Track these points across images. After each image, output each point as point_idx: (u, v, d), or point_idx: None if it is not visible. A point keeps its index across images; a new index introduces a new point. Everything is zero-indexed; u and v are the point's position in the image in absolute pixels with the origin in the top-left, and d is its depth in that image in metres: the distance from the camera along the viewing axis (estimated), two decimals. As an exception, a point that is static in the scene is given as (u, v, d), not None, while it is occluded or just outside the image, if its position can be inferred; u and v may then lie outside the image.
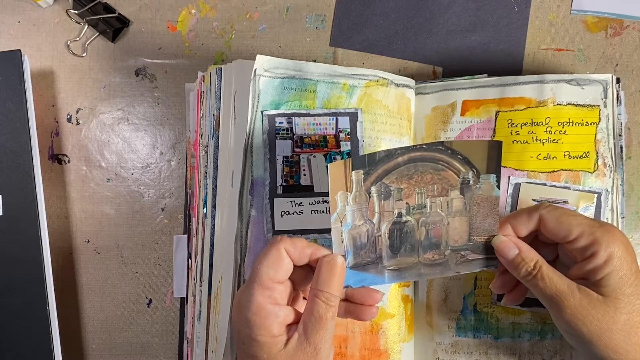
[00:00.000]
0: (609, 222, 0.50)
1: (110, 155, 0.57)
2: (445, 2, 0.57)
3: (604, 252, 0.40)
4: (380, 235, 0.42)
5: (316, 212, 0.49)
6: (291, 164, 0.50)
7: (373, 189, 0.41)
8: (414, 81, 0.53)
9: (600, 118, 0.50)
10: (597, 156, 0.50)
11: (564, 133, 0.50)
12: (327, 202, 0.49)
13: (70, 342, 0.55)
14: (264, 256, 0.39)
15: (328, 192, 0.40)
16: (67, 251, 0.56)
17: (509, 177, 0.51)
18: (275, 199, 0.49)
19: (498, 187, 0.43)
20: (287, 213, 0.49)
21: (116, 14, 0.56)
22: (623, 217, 0.51)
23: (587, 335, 0.40)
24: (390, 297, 0.50)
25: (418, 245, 0.43)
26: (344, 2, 0.57)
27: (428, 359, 0.52)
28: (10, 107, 0.52)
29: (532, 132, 0.51)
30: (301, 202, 0.49)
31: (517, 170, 0.51)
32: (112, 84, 0.57)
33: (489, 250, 0.44)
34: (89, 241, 0.56)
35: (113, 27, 0.56)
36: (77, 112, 0.57)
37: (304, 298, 0.44)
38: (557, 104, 0.51)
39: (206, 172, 0.51)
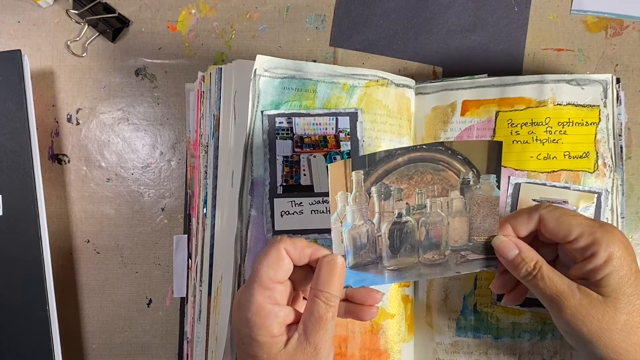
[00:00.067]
0: (609, 222, 0.50)
1: (110, 155, 0.57)
2: (445, 2, 0.57)
3: (604, 252, 0.40)
4: (380, 236, 0.42)
5: (316, 212, 0.49)
6: (291, 164, 0.50)
7: (373, 189, 0.41)
8: (414, 81, 0.53)
9: (600, 118, 0.50)
10: (597, 156, 0.50)
11: (564, 133, 0.50)
12: (327, 202, 0.49)
13: (70, 342, 0.55)
14: (264, 256, 0.39)
15: (328, 192, 0.40)
16: (67, 251, 0.56)
17: (509, 177, 0.51)
18: (275, 199, 0.49)
19: (498, 187, 0.43)
20: (287, 213, 0.49)
21: (116, 14, 0.56)
22: (623, 217, 0.51)
23: (587, 335, 0.40)
24: (390, 297, 0.50)
25: (418, 245, 0.43)
26: (344, 2, 0.57)
27: (428, 359, 0.52)
28: (10, 107, 0.52)
29: (532, 132, 0.51)
30: (301, 202, 0.49)
31: (517, 170, 0.51)
32: (112, 84, 0.57)
33: (489, 251, 0.44)
34: (89, 241, 0.56)
35: (113, 27, 0.56)
36: (77, 112, 0.57)
37: (304, 298, 0.44)
38: (557, 104, 0.51)
39: (206, 172, 0.51)
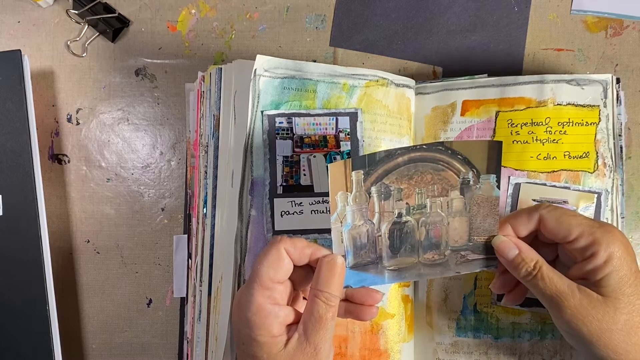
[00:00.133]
0: (609, 222, 0.50)
1: (110, 155, 0.57)
2: (445, 2, 0.57)
3: (604, 252, 0.40)
4: (380, 236, 0.42)
5: (316, 212, 0.49)
6: (291, 164, 0.50)
7: (373, 189, 0.41)
8: (414, 81, 0.53)
9: (600, 118, 0.50)
10: (597, 156, 0.50)
11: (564, 133, 0.50)
12: (327, 202, 0.49)
13: (70, 342, 0.55)
14: (264, 256, 0.39)
15: (328, 192, 0.40)
16: (67, 251, 0.56)
17: (509, 177, 0.51)
18: (275, 199, 0.49)
19: (498, 187, 0.43)
20: (287, 213, 0.49)
21: (116, 14, 0.56)
22: (623, 217, 0.51)
23: (587, 335, 0.40)
24: (390, 297, 0.50)
25: (418, 245, 0.43)
26: (344, 2, 0.57)
27: (428, 359, 0.52)
28: (10, 107, 0.52)
29: (532, 132, 0.51)
30: (301, 202, 0.49)
31: (517, 170, 0.51)
32: (112, 84, 0.57)
33: (489, 251, 0.44)
34: (89, 241, 0.56)
35: (113, 27, 0.56)
36: (77, 112, 0.57)
37: (304, 298, 0.44)
38: (557, 104, 0.51)
39: (206, 172, 0.51)
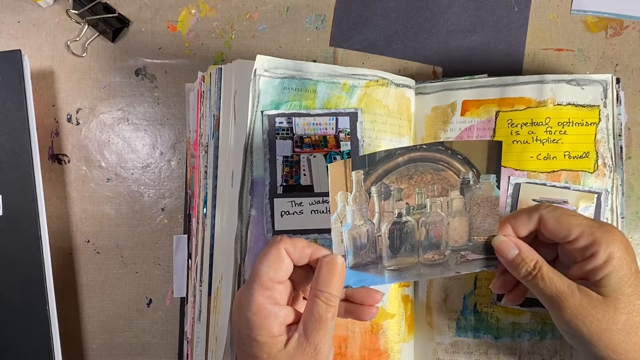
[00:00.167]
0: (609, 222, 0.50)
1: (110, 155, 0.57)
2: (445, 2, 0.57)
3: (604, 252, 0.40)
4: (380, 236, 0.42)
5: (316, 212, 0.49)
6: (291, 164, 0.50)
7: (373, 189, 0.41)
8: (414, 81, 0.53)
9: (600, 118, 0.50)
10: (597, 156, 0.50)
11: (564, 133, 0.50)
12: (327, 202, 0.49)
13: (70, 342, 0.55)
14: (264, 256, 0.39)
15: (328, 192, 0.40)
16: (67, 251, 0.56)
17: (509, 177, 0.51)
18: (275, 199, 0.49)
19: (498, 187, 0.43)
20: (287, 213, 0.49)
21: (116, 14, 0.56)
22: (623, 217, 0.51)
23: (587, 335, 0.40)
24: (390, 297, 0.50)
25: (418, 245, 0.43)
26: (344, 2, 0.57)
27: (428, 359, 0.52)
28: (10, 107, 0.52)
29: (532, 132, 0.51)
30: (301, 202, 0.49)
31: (517, 170, 0.51)
32: (112, 84, 0.57)
33: (489, 250, 0.44)
34: (89, 241, 0.56)
35: (113, 27, 0.56)
36: (77, 112, 0.57)
37: (304, 298, 0.44)
38: (557, 104, 0.51)
39: (206, 172, 0.51)
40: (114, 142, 0.57)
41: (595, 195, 0.50)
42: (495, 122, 0.52)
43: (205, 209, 0.51)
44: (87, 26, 0.57)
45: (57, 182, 0.56)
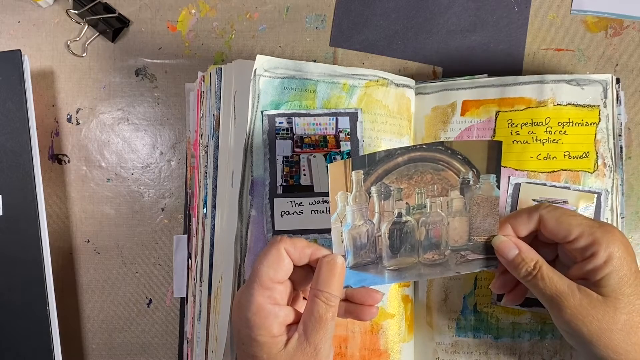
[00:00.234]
0: (609, 222, 0.50)
1: (110, 155, 0.57)
2: (445, 2, 0.57)
3: (604, 252, 0.40)
4: (380, 235, 0.42)
5: (316, 212, 0.49)
6: (291, 164, 0.50)
7: (373, 189, 0.41)
8: (414, 81, 0.53)
9: (600, 118, 0.50)
10: (597, 156, 0.50)
11: (564, 133, 0.50)
12: (327, 202, 0.49)
13: (70, 342, 0.55)
14: (264, 256, 0.39)
15: (328, 192, 0.40)
16: (67, 251, 0.56)
17: (509, 177, 0.51)
18: (275, 199, 0.49)
19: (498, 187, 0.43)
20: (287, 213, 0.49)
21: (116, 14, 0.56)
22: (623, 217, 0.51)
23: (587, 335, 0.40)
24: (390, 297, 0.50)
25: (418, 245, 0.43)
26: (344, 2, 0.57)
27: (428, 359, 0.52)
28: (10, 107, 0.52)
29: (532, 132, 0.51)
30: (301, 202, 0.49)
31: (517, 170, 0.51)
32: (112, 84, 0.57)
33: (489, 250, 0.44)
34: (89, 241, 0.56)
35: (113, 27, 0.56)
36: (77, 112, 0.57)
37: (304, 298, 0.44)
38: (557, 104, 0.51)
39: (206, 172, 0.51)
40: (114, 142, 0.57)
41: (595, 195, 0.50)
42: (495, 122, 0.52)
43: (205, 209, 0.51)
44: (87, 26, 0.57)
45: (57, 182, 0.56)
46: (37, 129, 0.53)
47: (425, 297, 0.52)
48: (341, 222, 0.41)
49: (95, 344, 0.56)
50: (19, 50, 0.52)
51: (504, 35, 0.57)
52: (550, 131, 0.50)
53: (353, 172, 0.40)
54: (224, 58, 0.57)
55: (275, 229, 0.49)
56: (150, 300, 0.56)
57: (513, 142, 0.51)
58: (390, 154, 0.40)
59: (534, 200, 0.50)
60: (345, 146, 0.51)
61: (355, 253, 0.41)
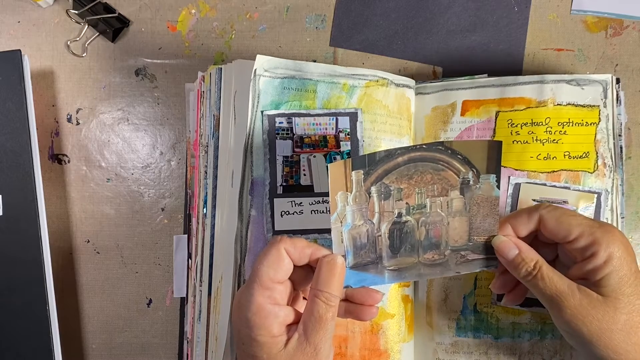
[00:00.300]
0: (609, 222, 0.50)
1: (110, 155, 0.57)
2: (445, 2, 0.57)
3: (604, 252, 0.40)
4: (380, 235, 0.42)
5: (316, 212, 0.49)
6: (291, 164, 0.50)
7: (373, 189, 0.41)
8: (414, 81, 0.53)
9: (600, 118, 0.50)
10: (597, 156, 0.50)
11: (564, 133, 0.50)
12: (327, 202, 0.49)
13: (70, 342, 0.55)
14: (264, 256, 0.39)
15: (328, 192, 0.40)
16: (67, 251, 0.56)
17: (509, 177, 0.51)
18: (275, 199, 0.49)
19: (498, 187, 0.43)
20: (287, 213, 0.49)
21: (116, 14, 0.56)
22: (623, 217, 0.51)
23: (587, 335, 0.40)
24: (390, 297, 0.50)
25: (418, 245, 0.43)
26: (344, 2, 0.57)
27: (428, 359, 0.52)
28: (10, 107, 0.52)
29: (532, 132, 0.51)
30: (301, 202, 0.49)
31: (517, 170, 0.51)
32: (112, 84, 0.57)
33: (489, 250, 0.44)
34: (89, 241, 0.56)
35: (113, 27, 0.56)
36: (77, 112, 0.57)
37: (304, 298, 0.44)
38: (557, 104, 0.51)
39: (206, 172, 0.51)
40: (114, 142, 0.57)
41: (595, 195, 0.50)
42: (495, 122, 0.52)
43: (205, 209, 0.51)
44: (87, 26, 0.57)
45: (57, 182, 0.56)
46: (37, 129, 0.53)
47: (425, 297, 0.52)
48: (341, 222, 0.41)
49: (95, 344, 0.56)
50: (19, 50, 0.52)
51: (504, 35, 0.57)
52: (550, 131, 0.50)
53: (353, 172, 0.40)
54: (224, 58, 0.57)
55: (275, 229, 0.49)
56: (150, 300, 0.56)
57: (513, 142, 0.51)
58: (390, 154, 0.40)
59: (534, 200, 0.50)
60: (345, 146, 0.51)
61: (355, 253, 0.41)
